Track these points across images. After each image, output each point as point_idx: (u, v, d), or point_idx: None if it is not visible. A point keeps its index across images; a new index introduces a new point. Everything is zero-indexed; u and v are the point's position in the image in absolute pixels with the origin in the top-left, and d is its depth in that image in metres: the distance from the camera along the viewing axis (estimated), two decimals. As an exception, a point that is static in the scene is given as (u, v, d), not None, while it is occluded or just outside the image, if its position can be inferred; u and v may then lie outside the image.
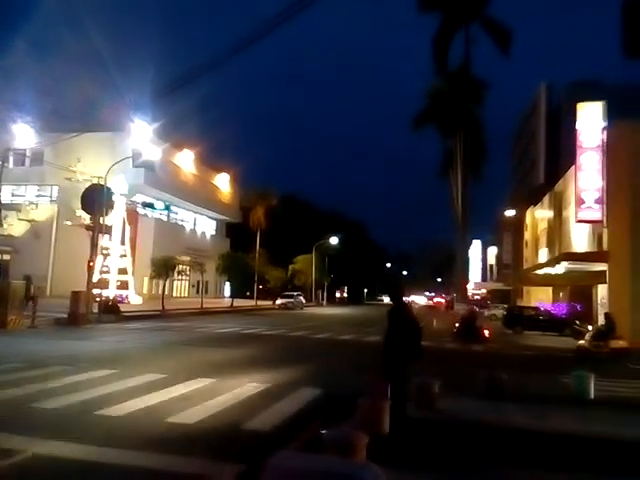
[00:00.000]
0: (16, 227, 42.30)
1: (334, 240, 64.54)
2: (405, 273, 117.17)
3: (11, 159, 40.99)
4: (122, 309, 26.20)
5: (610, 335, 17.92)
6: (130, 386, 8.97)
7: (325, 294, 70.86)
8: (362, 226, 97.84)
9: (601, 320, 21.52)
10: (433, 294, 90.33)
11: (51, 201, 45.97)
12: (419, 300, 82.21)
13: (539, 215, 42.53)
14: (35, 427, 6.41)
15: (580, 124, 25.84)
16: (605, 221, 24.91)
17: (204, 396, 8.41)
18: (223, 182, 61.16)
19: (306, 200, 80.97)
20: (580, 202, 25.56)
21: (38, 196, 46.62)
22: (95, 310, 23.15)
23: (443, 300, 62.97)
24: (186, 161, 52.16)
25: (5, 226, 37.41)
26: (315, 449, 4.80)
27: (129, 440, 6.05)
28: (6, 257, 42.41)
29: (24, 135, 32.13)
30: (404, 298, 7.94)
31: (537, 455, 6.13)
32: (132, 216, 41.25)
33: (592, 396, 9.52)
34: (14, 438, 5.84)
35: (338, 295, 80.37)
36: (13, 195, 45.47)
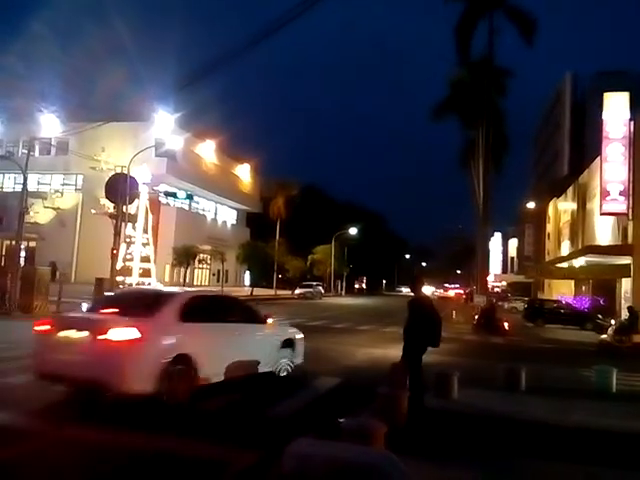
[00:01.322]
0: (42, 215, 43.14)
1: (353, 231, 64.46)
2: (424, 264, 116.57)
3: (37, 148, 41.80)
4: (144, 296, 26.64)
5: (633, 329, 17.68)
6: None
7: (344, 284, 70.92)
8: (381, 217, 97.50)
9: (624, 314, 21.22)
10: (452, 285, 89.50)
11: (76, 189, 46.76)
12: (429, 291, 73.48)
13: (562, 207, 41.89)
14: (55, 412, 6.60)
15: (606, 114, 25.34)
16: (630, 214, 24.46)
17: (223, 383, 8.55)
18: (244, 172, 61.39)
19: (326, 191, 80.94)
20: (605, 194, 25.13)
21: (63, 184, 47.46)
22: (118, 297, 23.55)
23: (461, 291, 62.43)
24: (207, 151, 52.45)
25: (31, 214, 38.14)
26: (334, 437, 4.88)
27: (149, 424, 6.19)
28: (32, 244, 43.34)
29: (50, 124, 32.60)
30: (423, 289, 7.96)
31: (554, 447, 6.13)
32: (154, 205, 41.70)
33: (614, 390, 9.44)
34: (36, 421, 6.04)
35: (357, 286, 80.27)
36: (39, 183, 46.34)
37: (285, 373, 9.15)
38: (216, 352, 7.62)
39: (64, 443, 5.40)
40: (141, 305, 7.46)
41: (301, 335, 9.78)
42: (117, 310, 7.25)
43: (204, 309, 7.87)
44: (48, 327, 7.01)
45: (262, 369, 8.50)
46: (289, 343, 9.32)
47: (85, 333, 6.56)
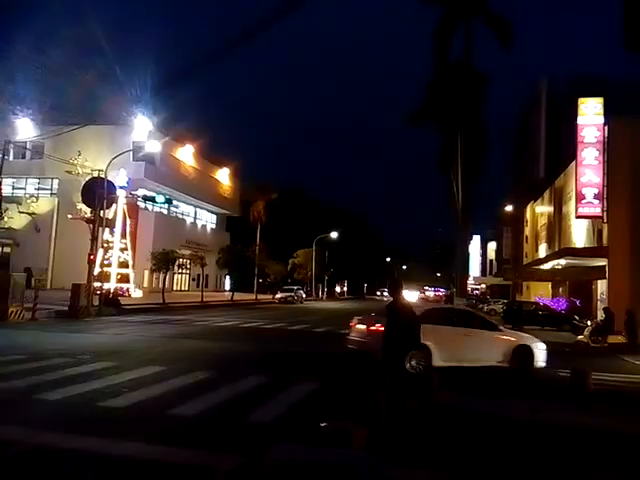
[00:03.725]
0: (17, 220, 42.30)
1: (334, 234, 64.56)
2: (404, 267, 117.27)
3: (12, 152, 40.96)
4: (122, 302, 26.28)
5: (609, 330, 18.00)
6: (130, 378, 9.03)
7: (325, 288, 70.93)
8: (363, 219, 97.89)
9: (600, 315, 21.60)
10: (432, 288, 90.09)
11: (52, 194, 45.93)
12: (412, 296, 71.26)
13: (539, 210, 42.54)
14: (36, 418, 6.47)
15: (581, 119, 25.82)
16: (605, 217, 24.93)
17: (204, 389, 8.47)
18: (224, 176, 61.10)
19: (307, 194, 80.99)
20: (580, 197, 25.57)
21: (39, 189, 46.57)
22: (96, 303, 23.21)
23: (440, 293, 62.90)
24: (187, 155, 52.09)
25: (6, 219, 37.38)
26: (315, 441, 4.85)
27: (131, 431, 6.11)
28: (7, 250, 42.49)
29: (25, 128, 32.11)
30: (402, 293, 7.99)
31: (531, 447, 6.19)
32: (133, 209, 41.25)
33: (589, 390, 9.59)
34: (16, 429, 5.90)
35: (338, 289, 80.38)
36: (14, 188, 45.43)
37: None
38: (446, 345, 10.75)
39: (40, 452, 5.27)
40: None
41: (540, 343, 11.78)
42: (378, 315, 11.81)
43: (439, 316, 11.41)
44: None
45: (486, 363, 11.03)
46: (524, 348, 11.45)
47: (363, 326, 11.74)
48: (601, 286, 26.71)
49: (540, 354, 11.67)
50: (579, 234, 29.58)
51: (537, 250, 41.92)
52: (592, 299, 28.43)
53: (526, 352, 11.47)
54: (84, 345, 13.21)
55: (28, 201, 43.97)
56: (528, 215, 47.08)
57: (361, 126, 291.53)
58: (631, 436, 6.84)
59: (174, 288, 49.04)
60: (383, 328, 9.51)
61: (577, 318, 25.12)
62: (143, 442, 5.70)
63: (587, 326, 19.80)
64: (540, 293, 38.45)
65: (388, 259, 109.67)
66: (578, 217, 26.51)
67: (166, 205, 44.85)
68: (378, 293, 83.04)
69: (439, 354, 10.64)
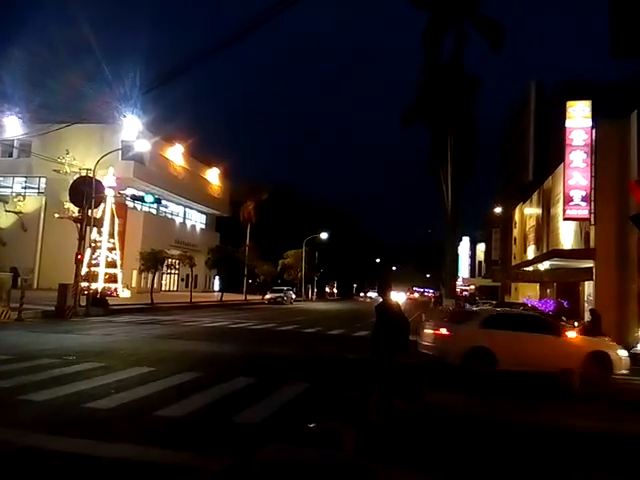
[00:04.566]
0: (3, 219, 41.84)
1: (324, 235, 64.56)
2: (394, 268, 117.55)
3: (-2, 150, 40.58)
4: (110, 302, 26.08)
5: (595, 331, 18.13)
6: (118, 379, 8.95)
7: (315, 289, 70.89)
8: (353, 219, 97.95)
9: (587, 316, 21.78)
10: (420, 289, 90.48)
11: (39, 193, 45.44)
12: (400, 297, 72.59)
13: (528, 212, 42.83)
14: (22, 419, 6.39)
15: (569, 122, 26.01)
16: (592, 219, 25.14)
17: (192, 389, 8.42)
18: (213, 176, 60.90)
19: (297, 194, 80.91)
20: (568, 200, 25.76)
21: (25, 188, 46.05)
22: (83, 303, 23.01)
23: (429, 293, 63.28)
24: (176, 155, 51.84)
25: (-8, 218, 36.99)
26: (303, 442, 4.83)
27: (117, 433, 6.06)
28: (-7, 249, 41.95)
29: (12, 126, 31.74)
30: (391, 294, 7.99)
31: (521, 448, 6.21)
32: (121, 209, 40.96)
33: (577, 391, 9.70)
34: (1, 431, 5.82)
35: (328, 290, 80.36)
36: (0, 186, 44.96)
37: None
38: (509, 349, 10.78)
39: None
40: (462, 318, 12.98)
41: (620, 350, 11.65)
42: (453, 319, 13.23)
43: (506, 321, 11.71)
44: None
45: (555, 369, 10.50)
46: (599, 354, 11.23)
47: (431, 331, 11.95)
48: (588, 287, 26.93)
49: (620, 361, 11.42)
50: (567, 236, 29.82)
51: (525, 252, 42.20)
52: (579, 300, 28.67)
53: (602, 358, 11.24)
54: (71, 346, 13.08)
55: (15, 200, 43.45)
56: (517, 217, 47.39)
57: (355, 126, 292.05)
58: (618, 436, 6.90)
59: (163, 288, 48.75)
60: (446, 332, 11.39)
61: (564, 319, 25.30)
62: (130, 443, 5.65)
63: (574, 327, 19.94)
64: (528, 294, 38.72)
65: (378, 260, 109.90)
66: (566, 219, 26.70)
67: (155, 205, 44.52)
68: (361, 294, 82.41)
69: (505, 359, 10.69)
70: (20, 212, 43.03)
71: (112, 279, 37.26)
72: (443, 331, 11.55)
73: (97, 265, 35.61)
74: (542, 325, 11.94)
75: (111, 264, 37.42)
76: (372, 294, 79.71)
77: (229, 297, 42.87)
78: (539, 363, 10.84)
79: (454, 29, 24.01)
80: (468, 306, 39.77)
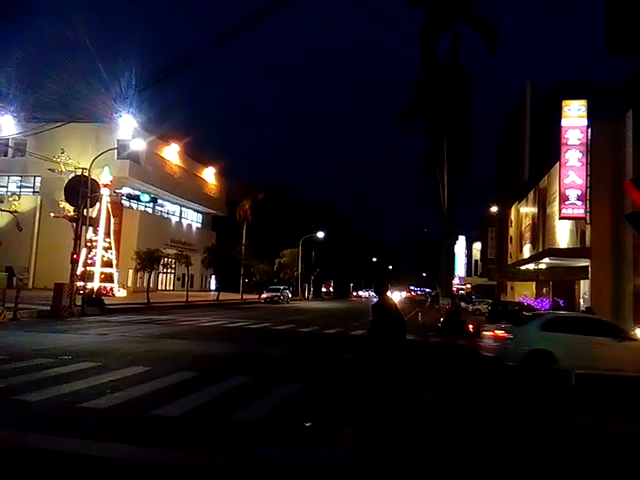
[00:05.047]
0: (-2, 218, 41.62)
1: (321, 234, 64.55)
2: (390, 267, 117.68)
3: (-7, 149, 40.40)
4: (106, 302, 26.00)
5: (591, 330, 18.16)
6: (114, 379, 8.93)
7: (311, 288, 70.88)
8: (349, 219, 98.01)
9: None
10: (417, 289, 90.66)
11: (34, 192, 45.26)
12: (396, 296, 72.02)
13: (523, 211, 42.94)
14: (17, 420, 6.36)
15: (564, 122, 26.10)
16: (588, 218, 25.22)
17: (188, 389, 8.41)
18: (209, 175, 60.80)
19: (293, 193, 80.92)
20: (564, 199, 25.85)
21: (21, 187, 45.87)
22: (79, 303, 22.93)
23: (425, 292, 63.41)
24: (172, 154, 51.72)
25: (-14, 217, 36.81)
26: (299, 441, 4.83)
27: (113, 433, 6.04)
28: (-12, 249, 41.72)
29: (6, 125, 31.59)
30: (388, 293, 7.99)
31: (518, 446, 6.22)
32: (117, 208, 40.85)
33: (572, 389, 9.75)
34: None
35: (324, 289, 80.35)
36: (-5, 186, 44.76)
37: None
38: (571, 352, 10.76)
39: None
40: (523, 321, 12.67)
41: None
42: (511, 322, 13.34)
43: (571, 325, 11.61)
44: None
45: (627, 373, 10.67)
46: None
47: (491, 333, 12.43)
48: (584, 286, 27.05)
49: None
50: (563, 235, 29.92)
51: (521, 250, 42.31)
52: (575, 299, 28.78)
53: None
54: (66, 345, 13.04)
55: (10, 199, 43.15)
56: (513, 216, 47.51)
57: (351, 125, 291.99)
58: (614, 433, 6.93)
59: (159, 288, 48.66)
60: (506, 334, 11.64)
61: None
62: (126, 443, 5.64)
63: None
64: (524, 293, 38.84)
65: (374, 259, 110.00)
66: (561, 218, 26.80)
67: (151, 204, 44.48)
68: (354, 294, 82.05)
69: (566, 362, 10.64)
70: (15, 211, 42.71)
71: (108, 278, 37.14)
72: (503, 333, 11.72)
73: (93, 264, 35.49)
74: (605, 328, 11.79)
75: (107, 263, 37.30)
76: (363, 293, 79.94)
77: (225, 296, 42.82)
78: (602, 366, 10.76)
79: (450, 28, 24.04)
80: (464, 305, 40.03)
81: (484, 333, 12.88)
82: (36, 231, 43.32)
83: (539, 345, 10.98)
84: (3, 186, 45.66)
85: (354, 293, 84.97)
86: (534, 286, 37.85)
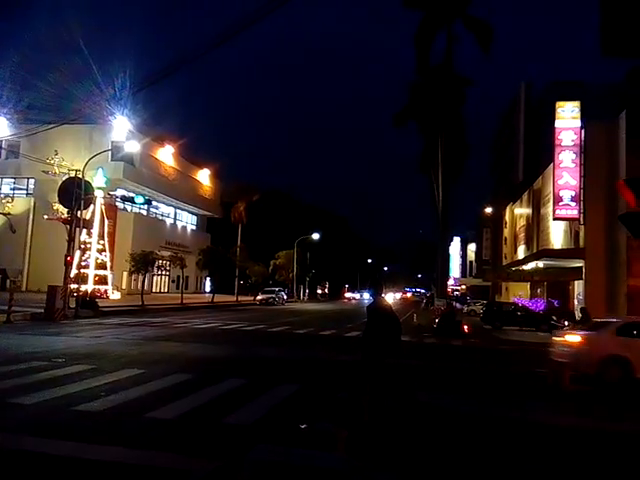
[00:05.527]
0: (-9, 220, 41.36)
1: (316, 236, 64.54)
2: (386, 269, 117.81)
3: (-14, 151, 40.18)
4: (100, 304, 25.88)
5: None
6: (108, 381, 8.88)
7: (307, 290, 70.82)
8: (345, 220, 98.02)
9: (578, 315, 21.93)
10: (412, 290, 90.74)
11: (28, 194, 45.05)
12: (390, 297, 69.66)
13: (518, 212, 43.10)
14: (11, 423, 6.31)
15: (558, 123, 26.23)
16: (582, 218, 25.35)
17: (183, 391, 8.36)
18: (204, 177, 60.70)
19: (290, 194, 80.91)
20: (558, 200, 25.97)
21: (14, 189, 45.65)
22: (73, 305, 22.82)
23: (420, 293, 63.47)
24: (167, 155, 51.61)
25: (-20, 219, 36.59)
26: (295, 443, 4.81)
27: (108, 435, 6.00)
28: (-19, 251, 41.45)
29: (0, 126, 31.41)
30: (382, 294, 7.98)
31: (512, 446, 6.22)
32: (111, 210, 40.69)
33: (567, 388, 9.77)
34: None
35: (319, 291, 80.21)
36: (-12, 188, 44.50)
37: None
38: None
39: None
40: (597, 326, 12.24)
41: None
42: (587, 326, 12.88)
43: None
44: None
45: None
46: None
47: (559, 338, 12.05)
48: (578, 287, 27.17)
49: None
50: (557, 236, 30.04)
51: (516, 251, 42.46)
52: (569, 299, 28.90)
53: None
54: (60, 348, 12.96)
55: (3, 201, 42.96)
56: (507, 217, 47.68)
57: (347, 126, 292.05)
58: (606, 433, 6.94)
59: (153, 290, 48.50)
60: (580, 339, 11.26)
61: (554, 318, 25.48)
62: (120, 446, 5.60)
63: (565, 326, 20.10)
64: (519, 294, 38.96)
65: (369, 260, 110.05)
66: (556, 219, 26.93)
67: (145, 206, 44.27)
68: (347, 295, 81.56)
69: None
70: (9, 213, 42.50)
71: (102, 281, 36.99)
72: (577, 339, 11.36)
73: (87, 267, 35.35)
74: None
75: (101, 266, 37.15)
76: (354, 295, 79.81)
77: (220, 298, 42.72)
78: None
79: (445, 30, 24.10)
80: (459, 305, 40.10)
81: (556, 339, 12.10)
82: (30, 233, 43.11)
83: (615, 351, 10.74)
84: (-4, 188, 45.41)
85: (346, 294, 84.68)
86: (528, 287, 37.97)
